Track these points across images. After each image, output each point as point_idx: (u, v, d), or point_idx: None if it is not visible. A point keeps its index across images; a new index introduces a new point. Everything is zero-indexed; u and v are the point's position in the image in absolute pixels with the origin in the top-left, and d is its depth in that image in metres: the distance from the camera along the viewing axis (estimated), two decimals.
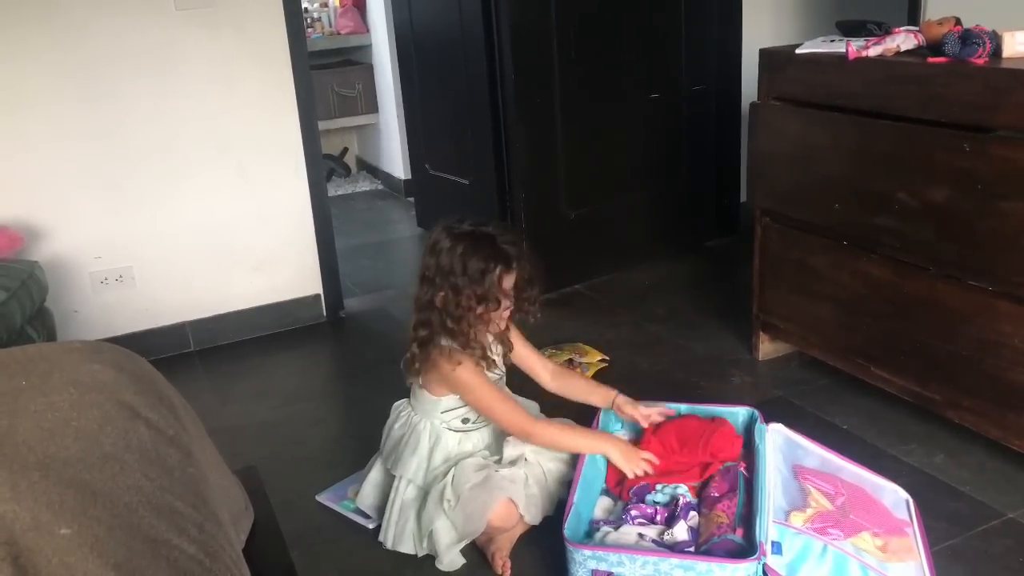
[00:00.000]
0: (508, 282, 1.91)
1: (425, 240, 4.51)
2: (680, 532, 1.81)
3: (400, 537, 1.97)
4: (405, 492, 1.98)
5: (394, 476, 2.01)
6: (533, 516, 1.95)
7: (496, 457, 2.02)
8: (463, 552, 1.93)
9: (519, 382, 2.18)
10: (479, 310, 1.89)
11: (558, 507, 1.98)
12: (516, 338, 2.12)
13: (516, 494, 1.90)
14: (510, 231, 1.99)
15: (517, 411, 1.96)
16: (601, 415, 2.16)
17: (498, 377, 2.06)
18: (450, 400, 1.99)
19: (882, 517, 1.85)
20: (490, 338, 2.03)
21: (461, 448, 2.01)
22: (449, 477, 1.94)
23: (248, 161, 3.10)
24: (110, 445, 0.70)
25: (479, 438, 2.05)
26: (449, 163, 3.99)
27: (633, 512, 1.88)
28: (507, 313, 1.96)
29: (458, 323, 1.90)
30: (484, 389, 1.94)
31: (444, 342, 1.92)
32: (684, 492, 1.93)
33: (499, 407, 1.95)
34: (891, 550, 1.76)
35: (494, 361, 2.01)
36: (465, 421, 2.01)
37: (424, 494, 1.97)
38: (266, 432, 2.59)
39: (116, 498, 0.67)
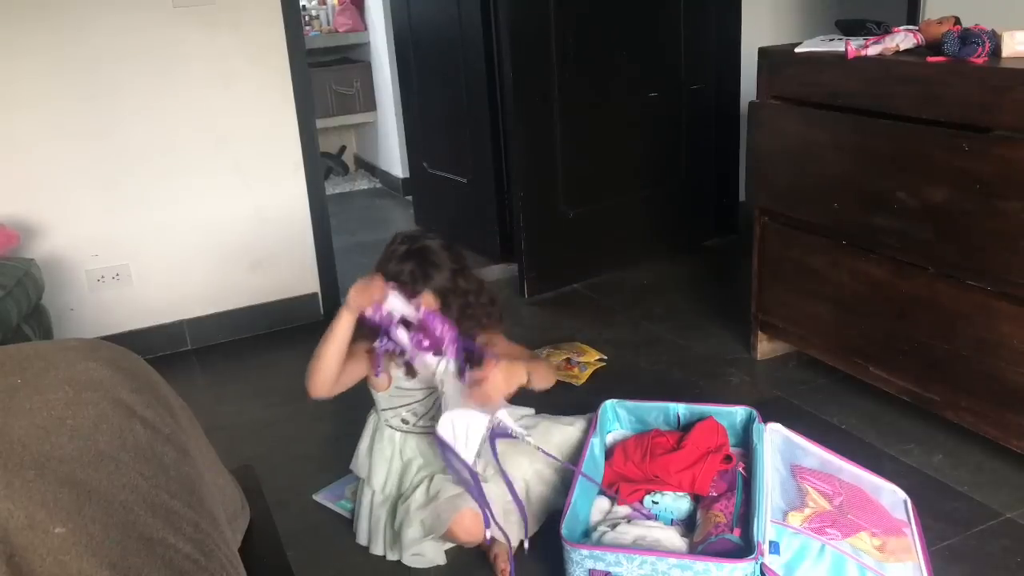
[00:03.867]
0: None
1: None
2: (672, 540, 1.82)
3: (375, 537, 1.99)
4: (372, 497, 2.00)
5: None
6: (510, 536, 1.90)
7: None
8: (447, 553, 1.94)
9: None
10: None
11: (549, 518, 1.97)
12: (498, 344, 1.96)
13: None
14: (451, 253, 1.88)
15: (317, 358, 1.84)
16: (600, 413, 2.16)
17: (428, 387, 1.95)
18: (385, 398, 1.98)
19: (880, 517, 1.85)
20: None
21: (400, 449, 2.01)
22: (424, 486, 1.95)
23: (246, 159, 3.09)
24: (105, 444, 0.70)
25: (416, 442, 2.01)
26: (447, 161, 3.98)
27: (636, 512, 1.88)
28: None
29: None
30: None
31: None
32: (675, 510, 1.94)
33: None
34: (889, 550, 1.75)
35: (413, 370, 1.91)
36: (405, 422, 2.00)
37: (388, 497, 1.99)
38: (263, 431, 2.59)
39: (111, 497, 0.66)
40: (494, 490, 1.92)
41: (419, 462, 2.01)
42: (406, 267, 1.83)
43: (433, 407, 1.99)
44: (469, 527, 1.86)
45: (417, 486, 1.96)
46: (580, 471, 1.91)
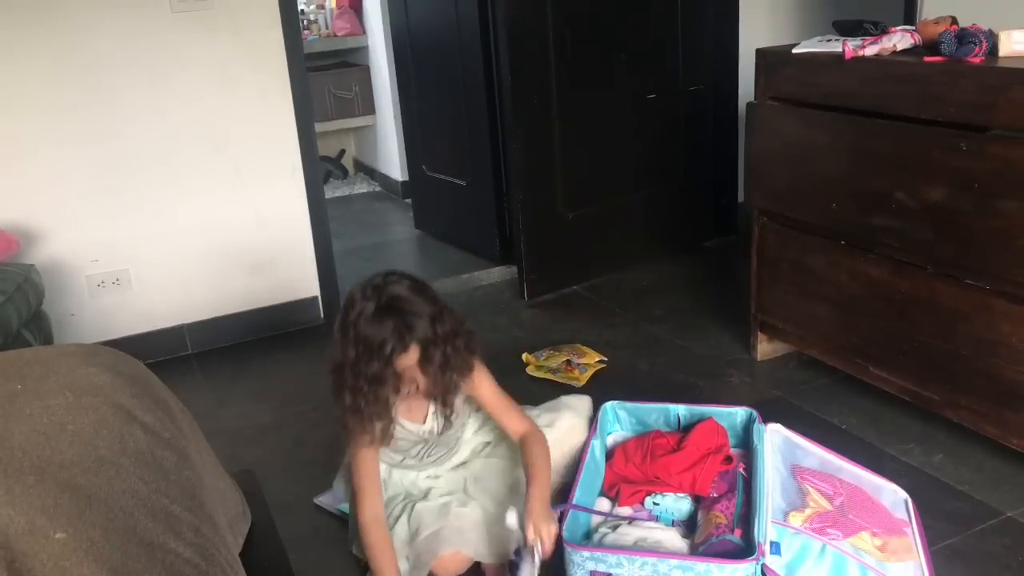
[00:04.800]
0: (403, 362, 1.71)
1: (423, 242, 4.51)
2: (673, 541, 1.82)
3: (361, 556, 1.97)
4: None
5: None
6: (499, 555, 1.88)
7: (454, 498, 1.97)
8: None
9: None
10: (373, 390, 1.72)
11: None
12: (484, 390, 1.91)
13: (465, 545, 1.85)
14: (423, 295, 1.73)
15: (365, 502, 1.82)
16: (600, 415, 2.16)
17: (411, 440, 1.93)
18: None
19: (881, 517, 1.85)
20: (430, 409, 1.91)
21: (387, 479, 1.98)
22: (405, 517, 1.93)
23: (245, 163, 3.10)
24: (106, 449, 0.70)
25: (401, 476, 2.02)
26: (446, 164, 3.99)
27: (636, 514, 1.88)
28: (413, 390, 1.78)
29: (353, 398, 1.75)
30: (358, 469, 1.84)
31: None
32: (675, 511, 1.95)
33: (358, 490, 1.84)
34: (890, 550, 1.75)
35: (392, 436, 1.85)
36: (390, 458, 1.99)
37: None
38: (264, 435, 2.59)
39: (112, 502, 0.67)
40: (473, 513, 1.91)
41: (400, 495, 2.00)
42: (388, 326, 1.67)
43: (418, 455, 1.96)
44: (448, 567, 1.84)
45: (399, 516, 1.94)
46: (572, 504, 1.88)
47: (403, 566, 1.87)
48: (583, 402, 2.20)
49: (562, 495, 1.95)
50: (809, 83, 2.37)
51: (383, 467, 1.97)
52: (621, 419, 2.22)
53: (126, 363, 0.82)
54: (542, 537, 1.72)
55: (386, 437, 1.81)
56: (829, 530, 1.74)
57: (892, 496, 1.95)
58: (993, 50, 1.99)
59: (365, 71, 5.20)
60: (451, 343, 1.74)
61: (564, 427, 2.09)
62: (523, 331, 3.14)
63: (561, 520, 1.81)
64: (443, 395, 1.81)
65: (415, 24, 4.00)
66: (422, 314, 1.70)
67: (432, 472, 2.03)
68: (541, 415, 2.13)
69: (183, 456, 0.77)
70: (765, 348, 2.77)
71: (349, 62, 5.35)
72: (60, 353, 0.81)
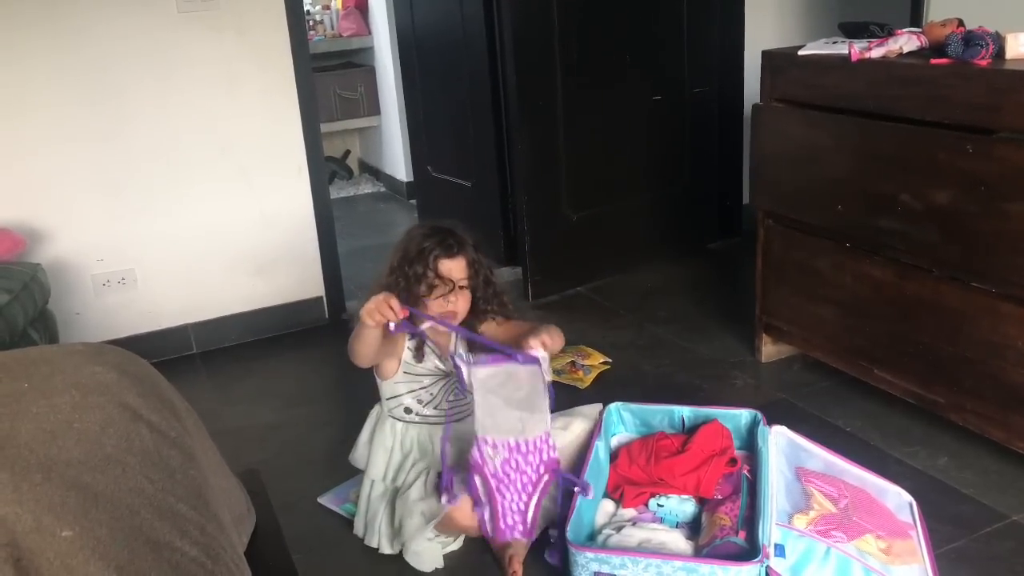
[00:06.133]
0: (446, 268, 1.91)
1: None
2: (677, 542, 1.82)
3: (371, 531, 2.00)
4: (371, 488, 2.03)
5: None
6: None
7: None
8: (447, 556, 1.94)
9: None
10: (414, 288, 1.90)
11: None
12: (510, 325, 2.04)
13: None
14: (472, 238, 1.98)
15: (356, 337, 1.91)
16: (604, 416, 2.16)
17: (436, 372, 2.02)
18: (391, 386, 2.01)
19: (885, 519, 1.84)
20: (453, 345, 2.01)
21: (401, 440, 2.03)
22: (421, 480, 1.96)
23: (250, 163, 3.10)
24: (112, 447, 0.70)
25: (416, 433, 2.04)
26: (451, 165, 3.99)
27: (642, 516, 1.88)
28: (446, 305, 1.92)
29: (386, 285, 1.92)
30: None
31: None
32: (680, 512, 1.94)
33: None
34: (895, 553, 1.75)
35: (422, 352, 2.01)
36: (408, 411, 2.03)
37: (387, 490, 2.01)
38: (268, 434, 2.59)
39: (118, 500, 0.67)
40: None
41: (415, 455, 2.02)
42: (436, 238, 1.92)
43: (438, 395, 2.00)
44: (468, 513, 1.87)
45: (413, 483, 1.97)
46: (583, 483, 1.90)
47: (417, 520, 1.89)
48: (595, 409, 2.22)
49: (568, 498, 1.95)
50: (815, 85, 2.37)
51: (399, 425, 2.03)
52: (625, 421, 2.22)
53: (132, 362, 0.83)
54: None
55: (420, 349, 1.98)
56: (833, 532, 1.74)
57: (897, 499, 1.95)
58: (1000, 52, 1.98)
59: (370, 72, 5.21)
60: (491, 275, 1.98)
61: (577, 431, 2.12)
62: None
63: (567, 519, 1.81)
64: (478, 314, 1.96)
65: (420, 25, 4.00)
66: (470, 241, 1.96)
67: (418, 434, 2.05)
68: (556, 419, 2.15)
69: (189, 455, 0.77)
70: (769, 350, 2.76)
71: (354, 63, 5.36)
72: (66, 352, 0.82)
